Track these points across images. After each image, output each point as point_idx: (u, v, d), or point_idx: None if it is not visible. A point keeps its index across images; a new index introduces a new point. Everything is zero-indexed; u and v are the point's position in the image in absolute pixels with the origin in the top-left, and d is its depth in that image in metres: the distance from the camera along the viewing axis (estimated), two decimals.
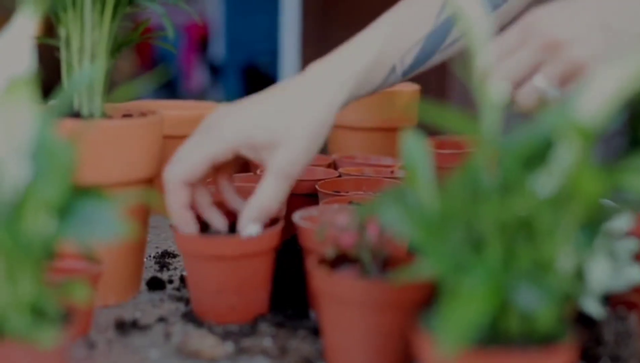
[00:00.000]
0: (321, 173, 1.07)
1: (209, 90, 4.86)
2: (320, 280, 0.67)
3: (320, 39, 3.33)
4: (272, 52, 3.94)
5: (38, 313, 0.55)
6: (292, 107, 0.78)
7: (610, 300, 0.72)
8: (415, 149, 0.60)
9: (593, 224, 0.57)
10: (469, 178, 0.55)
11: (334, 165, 1.14)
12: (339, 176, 1.06)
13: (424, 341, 0.55)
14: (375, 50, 0.83)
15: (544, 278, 0.54)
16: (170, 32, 0.82)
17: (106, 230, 0.54)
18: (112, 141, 0.78)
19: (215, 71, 4.87)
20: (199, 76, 4.93)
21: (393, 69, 0.87)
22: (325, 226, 0.72)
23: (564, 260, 0.55)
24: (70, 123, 0.76)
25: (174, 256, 0.97)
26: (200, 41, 4.89)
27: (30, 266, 0.55)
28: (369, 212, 0.63)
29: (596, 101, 0.52)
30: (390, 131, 1.25)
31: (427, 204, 0.57)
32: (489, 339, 0.54)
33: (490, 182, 0.55)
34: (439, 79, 2.81)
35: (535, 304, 0.52)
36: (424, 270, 0.54)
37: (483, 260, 0.54)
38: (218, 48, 4.84)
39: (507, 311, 0.54)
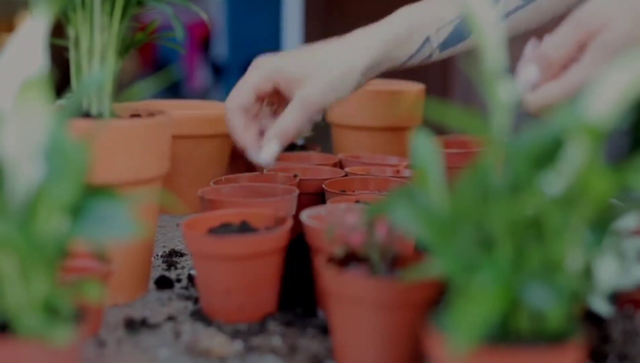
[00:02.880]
0: (328, 172, 1.08)
1: (212, 89, 4.86)
2: (329, 279, 0.67)
3: (322, 40, 3.33)
4: (275, 52, 3.93)
5: (51, 312, 0.56)
6: (320, 57, 0.95)
7: (618, 298, 0.73)
8: (425, 149, 0.61)
9: (601, 224, 0.57)
10: (478, 178, 0.56)
11: (340, 164, 1.15)
12: (345, 175, 1.06)
13: (435, 339, 0.55)
14: (408, 21, 0.97)
15: (554, 277, 0.54)
16: (179, 33, 0.83)
17: (118, 229, 0.55)
18: (123, 141, 0.78)
19: (217, 70, 4.86)
20: (201, 76, 4.93)
21: (427, 40, 0.98)
22: (334, 225, 0.72)
23: (573, 259, 0.55)
24: (81, 123, 0.77)
25: (182, 255, 0.98)
26: (203, 41, 4.89)
27: (44, 265, 0.55)
28: (378, 211, 0.64)
29: (605, 101, 0.53)
30: (395, 131, 1.25)
31: (437, 204, 0.58)
32: (499, 337, 0.54)
33: (499, 182, 0.55)
34: (441, 79, 2.82)
35: (544, 303, 0.53)
36: (433, 269, 0.55)
37: (493, 259, 0.54)
38: (220, 48, 4.84)
39: (517, 310, 0.55)
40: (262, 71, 0.95)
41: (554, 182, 0.54)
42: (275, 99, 0.98)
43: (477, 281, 0.53)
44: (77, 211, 0.56)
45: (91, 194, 0.56)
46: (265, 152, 0.93)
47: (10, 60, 0.55)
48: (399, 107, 1.24)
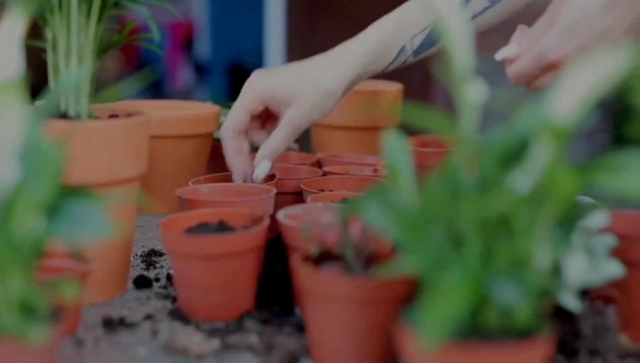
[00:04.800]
0: (306, 171, 1.09)
1: (195, 89, 4.86)
2: (305, 277, 0.68)
3: (305, 39, 3.34)
4: (257, 52, 3.94)
5: (28, 311, 0.56)
6: (306, 76, 1.00)
7: (588, 294, 0.74)
8: (396, 148, 0.62)
9: (569, 221, 0.59)
10: (448, 177, 0.57)
11: (318, 164, 1.15)
12: (324, 174, 1.07)
13: (405, 336, 0.56)
14: (385, 33, 1.01)
15: (522, 274, 0.55)
16: (155, 34, 0.83)
17: (95, 229, 0.55)
18: (100, 141, 0.78)
19: (200, 70, 4.86)
20: (184, 76, 4.93)
21: (403, 48, 1.02)
22: (310, 224, 0.73)
23: (541, 256, 0.56)
24: (58, 124, 0.77)
25: (160, 254, 0.98)
26: (186, 41, 4.89)
27: (20, 265, 0.56)
28: (352, 210, 0.65)
29: (571, 100, 0.54)
30: (373, 130, 1.26)
31: (408, 202, 0.59)
32: (468, 333, 0.55)
33: (469, 180, 0.56)
34: (423, 80, 2.83)
35: (513, 299, 0.54)
36: (405, 266, 0.56)
37: (462, 256, 0.55)
38: (203, 47, 4.84)
39: (486, 306, 0.56)
40: (254, 93, 1.00)
41: (522, 181, 0.55)
42: (264, 114, 1.04)
43: (447, 277, 0.54)
44: (53, 211, 0.56)
45: (67, 195, 0.57)
46: (258, 171, 1.00)
47: None
48: (377, 107, 1.25)
